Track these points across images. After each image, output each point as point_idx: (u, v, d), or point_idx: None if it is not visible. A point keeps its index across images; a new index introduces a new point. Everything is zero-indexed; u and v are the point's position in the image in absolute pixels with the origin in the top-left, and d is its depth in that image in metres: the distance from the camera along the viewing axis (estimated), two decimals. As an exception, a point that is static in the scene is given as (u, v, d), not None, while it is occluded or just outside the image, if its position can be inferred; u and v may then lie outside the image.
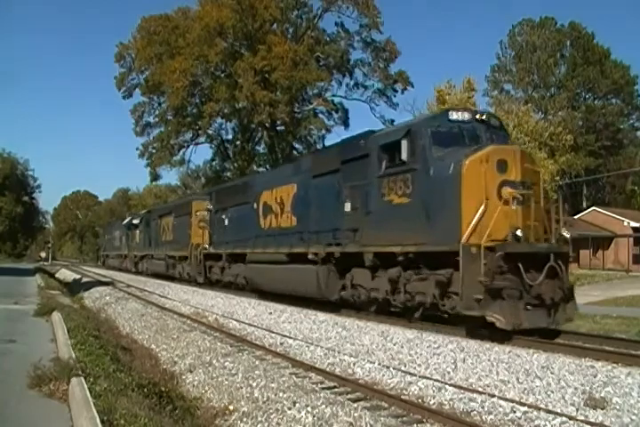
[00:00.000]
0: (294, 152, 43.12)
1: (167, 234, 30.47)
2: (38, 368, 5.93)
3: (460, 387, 6.73)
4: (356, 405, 6.26)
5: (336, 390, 7.01)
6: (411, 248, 10.68)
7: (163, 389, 6.82)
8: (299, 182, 15.64)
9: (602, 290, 21.31)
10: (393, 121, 41.30)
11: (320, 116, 43.05)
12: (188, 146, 45.22)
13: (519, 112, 34.75)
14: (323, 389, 7.01)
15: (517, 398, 6.23)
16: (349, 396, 6.72)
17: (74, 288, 24.29)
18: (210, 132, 44.42)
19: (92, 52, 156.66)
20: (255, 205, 18.33)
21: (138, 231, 38.03)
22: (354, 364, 8.21)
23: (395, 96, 42.27)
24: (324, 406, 6.17)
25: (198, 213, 24.83)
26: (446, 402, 6.26)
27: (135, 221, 38.97)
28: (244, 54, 39.77)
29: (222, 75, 41.35)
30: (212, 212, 22.82)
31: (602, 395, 6.20)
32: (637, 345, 9.08)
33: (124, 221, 44.11)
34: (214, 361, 8.93)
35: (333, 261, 13.53)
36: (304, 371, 8.01)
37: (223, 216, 21.42)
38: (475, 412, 5.89)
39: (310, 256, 14.09)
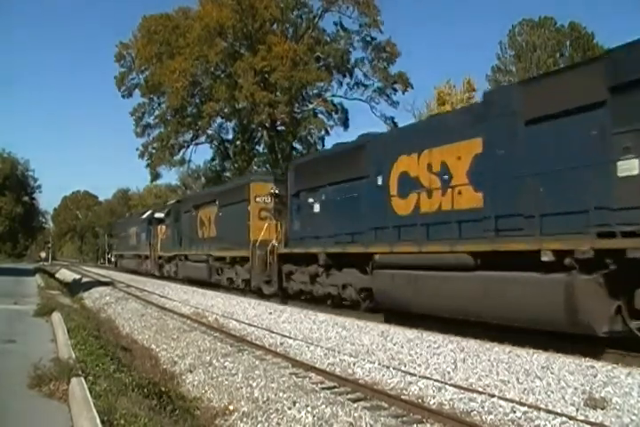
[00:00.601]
0: (294, 152, 43.11)
1: (209, 229, 23.95)
2: (38, 368, 5.92)
3: (460, 387, 6.73)
4: (355, 405, 6.26)
5: (336, 390, 7.02)
6: None
7: (163, 389, 6.82)
8: (489, 134, 9.91)
9: None
10: (393, 119, 41.41)
11: (320, 116, 43.07)
12: (188, 146, 45.23)
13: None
14: (323, 389, 7.01)
15: (517, 399, 6.23)
16: (349, 396, 6.72)
17: (74, 288, 24.30)
18: (210, 132, 44.44)
19: (92, 52, 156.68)
20: (380, 180, 12.56)
21: (163, 227, 31.76)
22: (354, 364, 8.21)
23: (394, 95, 42.30)
24: (323, 406, 6.17)
25: (259, 200, 19.36)
26: (446, 402, 6.26)
27: (159, 215, 32.65)
28: (244, 54, 39.78)
29: (222, 75, 41.34)
30: (288, 195, 16.90)
31: (602, 395, 6.20)
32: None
33: (144, 215, 37.81)
34: (214, 361, 8.93)
35: (610, 266, 7.74)
36: (304, 371, 8.01)
37: (311, 200, 15.49)
38: (475, 412, 5.89)
39: (546, 258, 8.35)
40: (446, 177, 10.85)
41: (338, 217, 14.20)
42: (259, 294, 18.37)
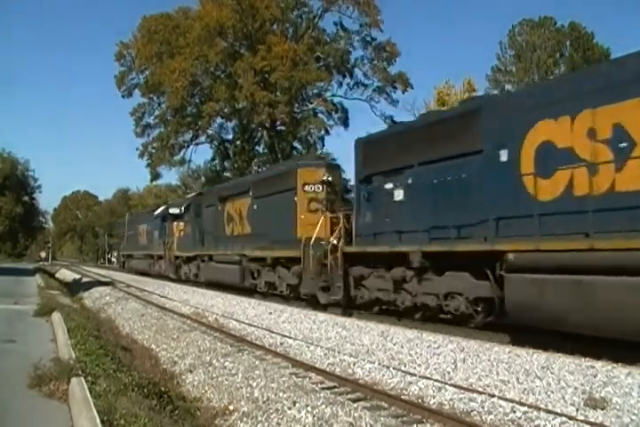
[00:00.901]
0: (294, 152, 43.14)
1: (240, 225, 20.70)
2: (38, 368, 5.93)
3: (460, 387, 6.73)
4: (355, 405, 6.26)
5: (336, 390, 7.01)
6: None
7: (163, 389, 6.82)
8: None
9: None
10: (392, 118, 41.42)
11: (320, 116, 43.09)
12: (188, 146, 45.27)
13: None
14: (323, 389, 7.01)
15: (517, 398, 6.23)
16: (349, 396, 6.72)
17: (74, 288, 24.30)
18: (210, 132, 44.50)
19: (92, 53, 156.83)
20: (505, 155, 9.63)
21: (181, 223, 28.82)
22: (354, 364, 8.21)
23: (394, 93, 42.31)
24: (323, 406, 6.17)
25: (308, 189, 16.31)
26: (446, 402, 6.26)
27: (174, 211, 29.91)
28: (244, 54, 39.82)
29: (222, 75, 41.38)
30: (355, 181, 14.14)
31: (602, 395, 6.20)
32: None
33: (157, 211, 35.05)
34: (214, 361, 8.93)
35: None
36: (304, 371, 8.01)
37: (390, 186, 12.50)
38: (475, 412, 5.89)
39: None
40: (624, 145, 7.93)
41: (435, 205, 11.09)
42: (310, 303, 15.39)
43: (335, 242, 14.13)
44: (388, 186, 12.52)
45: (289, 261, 16.26)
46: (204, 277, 24.12)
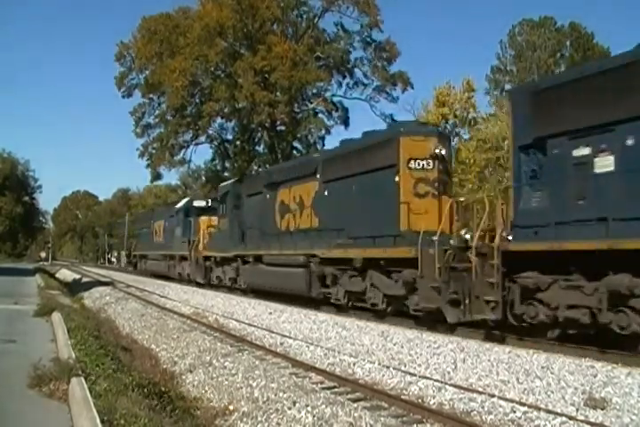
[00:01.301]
0: (294, 152, 43.14)
1: (302, 216, 16.29)
2: (38, 368, 5.92)
3: (460, 387, 6.73)
4: (355, 405, 6.26)
5: (336, 390, 7.01)
6: None
7: (163, 389, 6.82)
8: None
9: None
10: (392, 116, 41.38)
11: (320, 115, 43.07)
12: (188, 146, 45.23)
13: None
14: (323, 389, 7.01)
15: (517, 399, 6.24)
16: (349, 396, 6.72)
17: (74, 288, 24.30)
18: (210, 132, 44.46)
19: (92, 53, 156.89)
20: None
21: (212, 218, 24.49)
22: (354, 364, 8.21)
23: (394, 90, 42.26)
24: (323, 406, 6.17)
25: (414, 165, 12.22)
26: (446, 402, 6.26)
27: (199, 204, 26.39)
28: (244, 54, 39.83)
29: (222, 75, 41.38)
30: (512, 148, 10.28)
31: (602, 395, 6.21)
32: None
33: (178, 204, 30.80)
34: (214, 361, 8.93)
35: None
36: (304, 371, 8.01)
37: (585, 151, 8.65)
38: (475, 412, 5.89)
39: None
40: None
41: None
42: (422, 322, 11.57)
43: (467, 237, 10.93)
44: (582, 152, 8.66)
45: (390, 263, 12.11)
46: (246, 282, 19.87)
